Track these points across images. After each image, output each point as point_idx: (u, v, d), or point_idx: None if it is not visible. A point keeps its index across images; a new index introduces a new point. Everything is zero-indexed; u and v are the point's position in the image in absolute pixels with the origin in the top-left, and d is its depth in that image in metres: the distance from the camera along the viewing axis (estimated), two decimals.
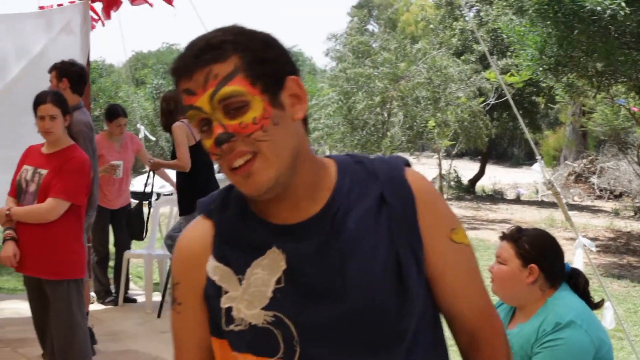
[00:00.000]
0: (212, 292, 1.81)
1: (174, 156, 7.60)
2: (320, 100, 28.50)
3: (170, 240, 7.75)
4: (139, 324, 7.92)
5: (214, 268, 1.82)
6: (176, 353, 1.95)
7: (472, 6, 29.73)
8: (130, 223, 8.32)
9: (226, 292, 1.79)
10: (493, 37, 26.79)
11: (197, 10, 8.61)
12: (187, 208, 7.52)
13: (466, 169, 31.16)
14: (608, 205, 24.54)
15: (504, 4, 19.25)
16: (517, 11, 14.79)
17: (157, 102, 35.67)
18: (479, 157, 33.20)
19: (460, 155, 43.18)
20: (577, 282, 3.54)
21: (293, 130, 1.74)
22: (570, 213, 21.12)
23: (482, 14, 27.95)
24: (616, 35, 12.66)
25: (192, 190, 7.44)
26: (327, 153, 38.78)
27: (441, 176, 24.02)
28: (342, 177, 1.82)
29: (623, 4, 10.88)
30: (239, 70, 1.68)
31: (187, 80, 1.70)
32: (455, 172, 27.48)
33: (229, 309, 1.78)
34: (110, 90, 35.45)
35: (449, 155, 29.15)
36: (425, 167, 29.54)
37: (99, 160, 8.05)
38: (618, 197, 26.00)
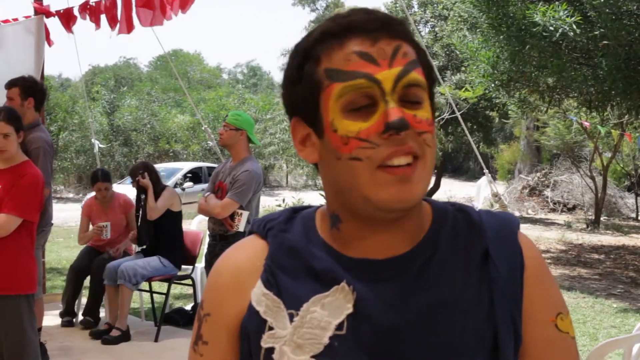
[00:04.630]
0: (253, 326, 1.45)
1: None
2: (275, 115, 28.67)
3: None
4: (91, 339, 7.88)
5: (260, 296, 1.46)
6: None
7: (427, 22, 30.01)
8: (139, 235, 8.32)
9: (271, 329, 1.42)
10: (447, 52, 27.06)
11: (154, 28, 8.61)
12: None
13: None
14: (561, 218, 24.79)
15: (459, 19, 19.50)
16: (471, 27, 14.95)
17: (111, 116, 35.60)
18: (434, 171, 33.40)
19: None
20: None
21: None
22: (524, 226, 21.29)
23: (437, 29, 28.23)
24: (567, 50, 12.86)
25: (162, 247, 8.16)
26: (284, 167, 38.79)
27: None
28: (440, 221, 1.48)
29: (574, 27, 11.08)
30: (418, 61, 1.39)
31: (367, 43, 1.34)
32: None
33: (270, 351, 1.41)
34: (66, 105, 35.19)
35: None
36: None
37: (89, 222, 8.71)
38: (571, 209, 26.31)
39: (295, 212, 1.58)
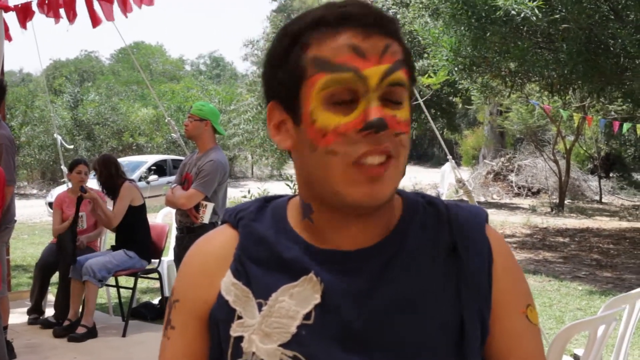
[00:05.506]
0: (222, 315, 1.46)
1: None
2: (239, 106, 28.67)
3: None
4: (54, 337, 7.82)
5: (229, 285, 1.46)
6: None
7: (388, 9, 30.02)
8: (62, 246, 8.16)
9: (240, 318, 1.44)
10: (410, 39, 27.08)
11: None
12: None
13: None
14: (526, 202, 24.97)
15: (420, 6, 19.54)
16: (433, 13, 14.98)
17: (75, 110, 35.32)
18: None
19: None
20: None
21: None
22: (489, 211, 21.42)
23: (398, 16, 28.25)
24: (528, 35, 12.93)
25: (127, 242, 8.09)
26: (249, 158, 38.68)
27: None
28: (409, 214, 1.49)
29: (536, 11, 11.14)
30: (404, 61, 1.38)
31: (360, 37, 1.32)
32: None
33: (239, 339, 1.43)
34: (27, 100, 34.83)
35: None
36: None
37: (61, 214, 8.59)
38: (536, 193, 26.54)
39: (267, 201, 1.58)
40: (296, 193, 1.59)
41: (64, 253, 7.96)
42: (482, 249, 1.46)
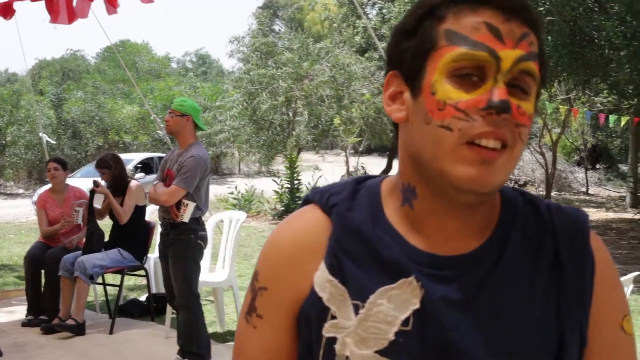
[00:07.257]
0: (315, 311, 1.39)
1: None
2: (225, 102, 28.64)
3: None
4: (42, 333, 7.78)
5: (324, 282, 1.39)
6: None
7: (374, 4, 30.03)
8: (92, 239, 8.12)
9: (333, 318, 1.37)
10: None
11: (97, 16, 8.51)
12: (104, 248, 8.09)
13: (374, 165, 31.50)
14: None
15: (406, 1, 19.54)
16: None
17: (59, 110, 35.23)
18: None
19: (369, 151, 43.63)
20: None
21: None
22: None
23: (384, 11, 28.25)
24: None
25: (124, 241, 8.12)
26: (236, 154, 38.67)
27: (349, 173, 23.90)
28: (509, 215, 1.43)
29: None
30: (537, 57, 1.33)
31: (500, 19, 1.29)
32: (363, 168, 27.21)
33: (332, 341, 1.36)
34: (12, 100, 34.69)
35: (356, 152, 29.37)
36: (333, 165, 29.71)
37: (46, 215, 8.60)
38: (522, 186, 26.61)
39: (359, 183, 1.50)
40: (387, 174, 1.52)
41: (90, 245, 7.97)
42: (586, 260, 1.40)
